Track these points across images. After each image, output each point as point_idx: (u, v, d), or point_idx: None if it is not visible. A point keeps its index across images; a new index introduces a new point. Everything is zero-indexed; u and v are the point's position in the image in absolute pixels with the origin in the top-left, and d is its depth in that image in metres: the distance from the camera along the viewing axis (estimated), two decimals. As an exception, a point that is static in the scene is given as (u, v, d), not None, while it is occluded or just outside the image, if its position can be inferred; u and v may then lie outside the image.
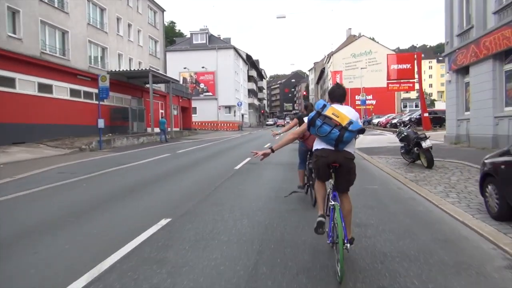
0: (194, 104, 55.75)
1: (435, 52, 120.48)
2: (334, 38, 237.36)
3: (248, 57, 71.94)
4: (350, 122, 3.46)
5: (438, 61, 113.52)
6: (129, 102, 29.44)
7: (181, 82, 54.62)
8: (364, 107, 45.77)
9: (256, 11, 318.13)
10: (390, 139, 21.60)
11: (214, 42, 57.22)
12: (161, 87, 34.99)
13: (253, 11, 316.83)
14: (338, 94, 3.80)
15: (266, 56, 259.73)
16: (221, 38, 59.42)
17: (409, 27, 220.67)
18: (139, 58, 31.50)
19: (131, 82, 29.09)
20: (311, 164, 4.54)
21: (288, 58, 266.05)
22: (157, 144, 22.96)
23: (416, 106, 79.90)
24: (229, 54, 56.20)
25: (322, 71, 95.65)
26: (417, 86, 28.33)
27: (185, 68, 54.52)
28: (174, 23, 76.64)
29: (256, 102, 74.84)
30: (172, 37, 65.21)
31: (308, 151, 6.27)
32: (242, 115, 64.79)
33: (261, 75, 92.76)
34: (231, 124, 51.96)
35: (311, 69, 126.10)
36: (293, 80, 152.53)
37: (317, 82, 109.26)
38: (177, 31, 76.85)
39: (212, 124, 52.35)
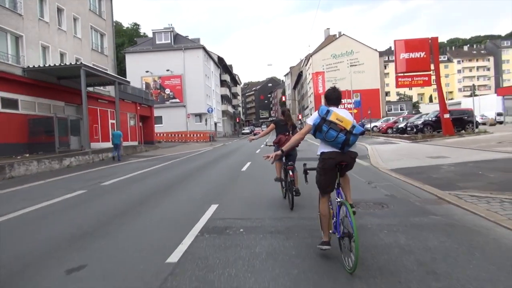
0: (159, 112, 48.70)
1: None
2: (311, 41, 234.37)
3: (220, 60, 65.41)
4: (353, 126, 3.67)
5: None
6: (63, 110, 22.32)
7: (143, 88, 47.57)
8: (356, 110, 39.87)
9: (227, 19, 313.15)
10: (418, 150, 15.45)
11: (181, 42, 50.42)
12: (111, 90, 27.96)
13: (224, 19, 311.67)
14: (335, 97, 3.96)
15: (239, 63, 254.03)
16: (189, 38, 52.65)
17: (384, 31, 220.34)
18: (77, 53, 24.41)
19: (64, 84, 22.00)
20: (317, 169, 3.99)
21: (262, 65, 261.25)
22: (89, 168, 15.97)
23: (401, 109, 75.54)
24: (198, 55, 49.50)
25: (300, 75, 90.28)
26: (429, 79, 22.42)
27: (147, 71, 47.41)
28: (138, 25, 69.40)
29: (230, 109, 68.32)
30: (136, 42, 57.99)
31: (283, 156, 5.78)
32: (215, 124, 58.00)
33: (235, 80, 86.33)
34: (202, 135, 45.10)
35: (287, 74, 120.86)
36: (269, 85, 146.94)
37: (294, 87, 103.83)
38: (142, 34, 69.62)
39: (180, 135, 45.36)
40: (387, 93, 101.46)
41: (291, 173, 6.27)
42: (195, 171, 13.36)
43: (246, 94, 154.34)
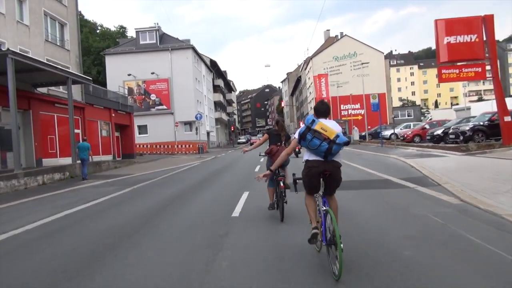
0: (143, 121, 43.27)
1: (415, 58, 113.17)
2: (308, 48, 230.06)
3: (213, 63, 60.19)
4: (337, 136, 3.81)
5: (420, 67, 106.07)
6: (-1, 117, 16.86)
7: (125, 93, 42.07)
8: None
9: (222, 28, 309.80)
10: (503, 168, 10.10)
11: (168, 42, 45.13)
12: (76, 93, 22.58)
13: (218, 28, 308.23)
14: (323, 110, 4.16)
15: (235, 72, 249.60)
16: (178, 39, 47.37)
17: (382, 34, 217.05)
18: (22, 43, 18.97)
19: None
20: (302, 175, 4.18)
21: (258, 73, 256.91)
22: (14, 200, 10.42)
23: (408, 115, 70.52)
24: (186, 56, 44.18)
25: (298, 80, 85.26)
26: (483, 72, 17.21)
27: (129, 75, 41.99)
28: (125, 28, 64.14)
29: (224, 116, 62.98)
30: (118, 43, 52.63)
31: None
32: (208, 133, 52.53)
33: (229, 87, 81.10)
34: (191, 145, 39.60)
35: (284, 80, 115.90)
36: (266, 90, 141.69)
37: (292, 94, 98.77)
38: (129, 37, 64.37)
39: (167, 146, 39.85)
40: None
41: (281, 184, 6.13)
42: (139, 226, 7.46)
43: (242, 102, 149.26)
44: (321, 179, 4.04)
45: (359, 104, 60.77)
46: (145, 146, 39.25)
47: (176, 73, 43.74)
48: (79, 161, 17.10)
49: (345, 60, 62.68)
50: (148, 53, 43.76)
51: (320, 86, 49.92)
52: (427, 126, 24.80)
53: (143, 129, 44.19)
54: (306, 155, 4.07)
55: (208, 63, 57.62)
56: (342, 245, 3.49)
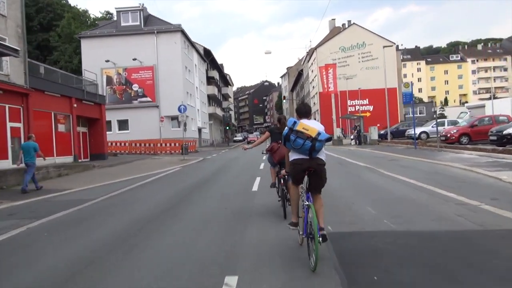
0: (124, 114, 37.62)
1: (423, 54, 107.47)
2: (312, 38, 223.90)
3: (207, 52, 54.36)
4: (319, 133, 4.02)
5: (427, 63, 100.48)
6: None
7: (104, 82, 36.30)
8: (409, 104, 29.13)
9: (221, 25, 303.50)
10: None
11: (153, 24, 39.27)
12: (16, 73, 16.88)
13: (217, 25, 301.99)
14: (304, 111, 4.46)
15: (233, 69, 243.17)
16: (165, 21, 41.46)
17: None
18: None
19: None
20: (290, 173, 4.53)
21: (256, 69, 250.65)
22: None
23: (420, 112, 64.79)
24: (175, 41, 38.37)
25: (300, 74, 79.48)
26: None
27: (107, 61, 36.15)
28: (111, 14, 57.89)
29: (219, 112, 57.18)
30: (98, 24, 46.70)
31: (275, 164, 6.51)
32: (200, 130, 46.77)
33: (225, 80, 75.25)
34: (178, 144, 33.88)
35: (283, 75, 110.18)
36: (266, 84, 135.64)
37: (292, 89, 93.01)
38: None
39: (149, 145, 34.05)
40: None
41: (282, 181, 6.22)
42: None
43: (239, 98, 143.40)
44: (306, 175, 4.25)
45: (367, 99, 55.29)
46: (124, 144, 33.48)
47: (163, 60, 37.95)
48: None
49: (352, 51, 56.98)
50: (130, 37, 37.94)
51: (327, 78, 44.15)
52: (477, 123, 19.12)
53: (123, 124, 38.44)
54: (292, 155, 4.25)
55: (202, 51, 51.79)
56: (320, 238, 3.78)
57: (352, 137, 31.84)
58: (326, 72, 43.88)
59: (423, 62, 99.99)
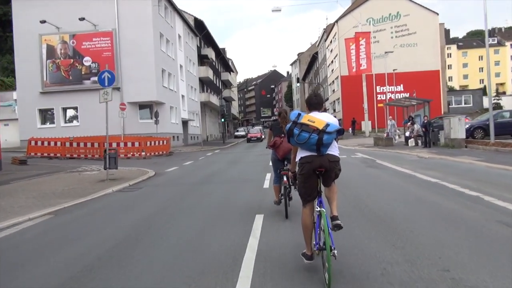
0: (72, 99, 26.97)
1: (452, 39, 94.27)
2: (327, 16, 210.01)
3: (199, 24, 42.93)
4: (327, 125, 3.42)
5: (459, 47, 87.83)
6: None
7: (43, 55, 25.49)
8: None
9: (228, 18, 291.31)
10: None
11: (114, -27, 27.92)
12: None
13: (224, 18, 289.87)
14: (315, 102, 3.79)
15: (240, 62, 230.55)
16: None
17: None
18: None
19: None
20: (297, 179, 3.79)
21: (264, 63, 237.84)
22: None
23: (466, 102, 52.62)
24: (144, -3, 27.07)
25: (314, 58, 67.68)
26: None
27: (43, 22, 24.98)
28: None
29: (215, 100, 45.63)
30: None
31: (279, 161, 6.03)
32: (186, 122, 35.52)
33: (226, 64, 63.60)
34: (156, 143, 22.68)
35: (294, 62, 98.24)
36: (273, 69, 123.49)
37: (304, 78, 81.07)
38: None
39: (92, 145, 22.67)
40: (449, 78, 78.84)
41: (285, 178, 5.70)
42: None
43: (245, 90, 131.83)
44: (318, 180, 3.61)
45: (402, 85, 43.52)
46: (55, 144, 21.99)
47: (126, 23, 26.75)
48: None
49: (384, 24, 45.16)
50: (80, -10, 26.68)
51: (357, 52, 32.37)
52: None
53: (71, 114, 27.39)
54: (300, 153, 3.65)
55: (192, 23, 40.35)
56: (335, 251, 3.23)
57: (407, 134, 20.31)
58: (356, 44, 32.17)
59: (454, 47, 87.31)
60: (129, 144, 21.54)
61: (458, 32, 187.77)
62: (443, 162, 12.55)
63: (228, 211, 6.46)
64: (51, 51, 26.83)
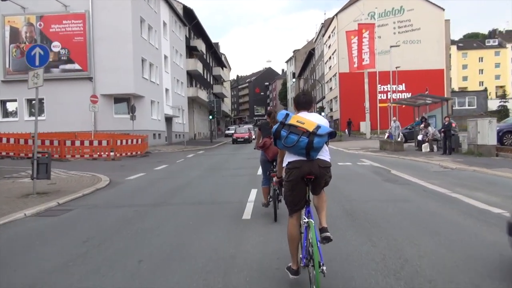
0: (38, 90, 23.65)
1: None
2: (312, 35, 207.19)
3: (188, 13, 39.81)
4: (318, 127, 3.11)
5: (459, 48, 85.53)
6: None
7: (6, 38, 22.42)
8: None
9: (224, 16, 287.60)
10: None
11: None
12: None
13: (220, 16, 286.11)
14: (304, 101, 3.48)
15: (235, 61, 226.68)
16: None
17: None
18: None
19: None
20: (284, 186, 3.38)
21: (259, 61, 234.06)
22: None
23: (470, 104, 50.04)
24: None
25: (310, 55, 64.84)
26: None
27: (4, 0, 21.79)
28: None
29: (204, 96, 42.42)
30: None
31: (269, 162, 5.80)
32: (170, 119, 32.44)
33: (218, 58, 60.44)
34: (132, 142, 19.61)
35: (289, 59, 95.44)
36: (268, 66, 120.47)
37: (300, 75, 78.24)
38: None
39: (60, 145, 19.51)
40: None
41: (274, 180, 5.28)
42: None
43: (239, 87, 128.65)
44: (307, 188, 3.28)
45: (404, 84, 40.82)
46: (7, 141, 18.82)
47: (102, 5, 23.64)
48: None
49: (386, 19, 42.36)
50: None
51: (360, 46, 29.48)
52: None
53: (37, 107, 24.07)
54: (287, 157, 3.31)
55: (180, 11, 37.25)
56: (324, 267, 2.92)
57: (420, 137, 17.47)
58: (359, 37, 29.28)
59: (453, 48, 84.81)
60: (96, 143, 18.42)
61: (455, 35, 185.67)
62: (481, 176, 9.70)
63: (170, 277, 3.52)
64: (15, 34, 23.62)
